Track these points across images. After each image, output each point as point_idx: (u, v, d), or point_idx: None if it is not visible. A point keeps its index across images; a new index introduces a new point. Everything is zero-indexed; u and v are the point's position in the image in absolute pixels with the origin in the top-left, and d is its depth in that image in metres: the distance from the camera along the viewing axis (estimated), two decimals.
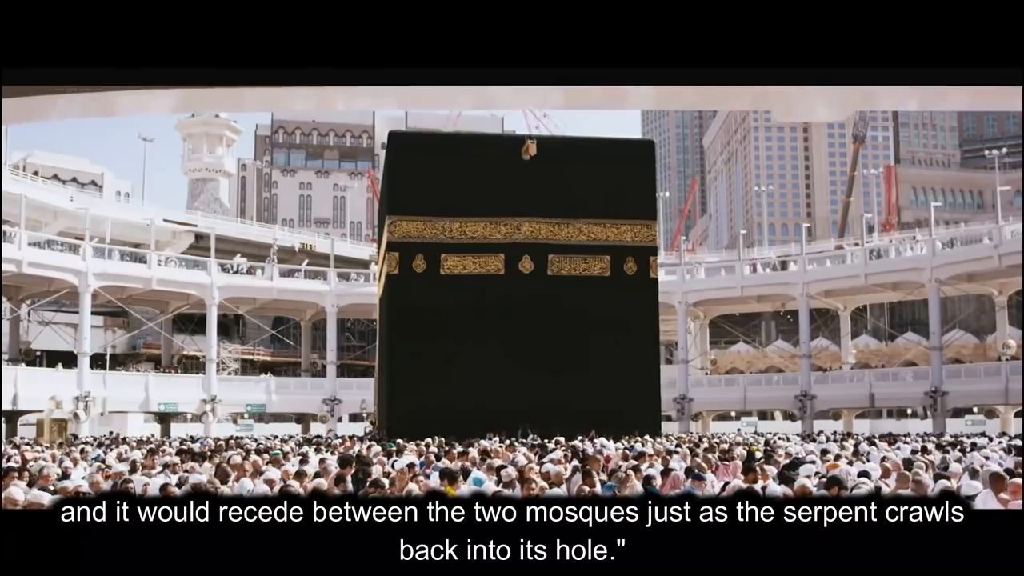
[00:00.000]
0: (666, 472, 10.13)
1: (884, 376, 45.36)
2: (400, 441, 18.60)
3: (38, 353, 48.91)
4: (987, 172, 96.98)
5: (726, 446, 17.37)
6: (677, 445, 17.64)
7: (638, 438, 20.65)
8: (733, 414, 51.04)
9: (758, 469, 9.78)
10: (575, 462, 12.30)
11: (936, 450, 17.26)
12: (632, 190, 29.10)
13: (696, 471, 10.05)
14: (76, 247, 42.24)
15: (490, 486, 9.22)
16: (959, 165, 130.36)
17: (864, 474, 9.51)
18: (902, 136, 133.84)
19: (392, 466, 11.65)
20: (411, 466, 10.88)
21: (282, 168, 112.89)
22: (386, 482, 9.46)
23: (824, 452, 15.30)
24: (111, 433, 36.34)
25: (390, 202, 29.10)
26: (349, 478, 9.08)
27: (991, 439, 24.95)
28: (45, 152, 70.37)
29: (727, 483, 9.07)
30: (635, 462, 11.64)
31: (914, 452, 15.80)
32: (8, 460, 14.01)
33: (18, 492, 7.55)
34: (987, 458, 13.04)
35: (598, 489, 8.23)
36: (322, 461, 11.97)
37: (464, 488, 8.52)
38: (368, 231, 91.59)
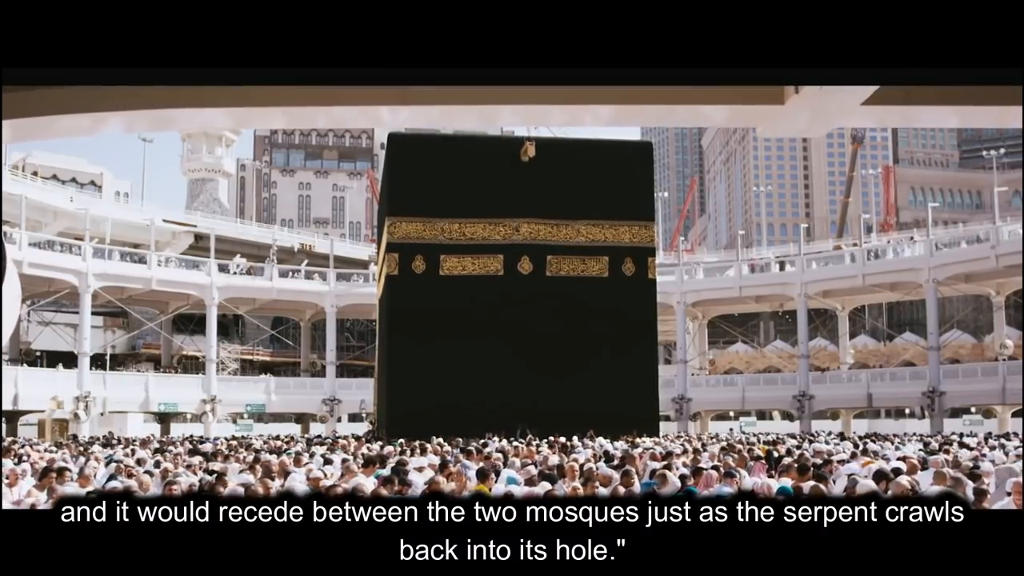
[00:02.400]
0: (697, 472, 10.13)
1: (882, 376, 45.43)
2: (402, 441, 18.63)
3: (38, 353, 48.93)
4: (986, 172, 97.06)
5: (734, 445, 17.50)
6: (683, 445, 17.71)
7: (644, 438, 20.74)
8: (732, 414, 51.10)
9: (811, 469, 9.55)
10: (602, 462, 12.32)
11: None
12: (630, 191, 29.17)
13: (729, 469, 10.08)
14: (76, 247, 42.29)
15: (529, 486, 9.35)
16: (957, 165, 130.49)
17: (897, 472, 9.47)
18: (900, 136, 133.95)
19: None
20: (445, 465, 10.88)
21: (281, 168, 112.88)
22: (420, 481, 9.47)
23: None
24: (110, 433, 36.34)
25: (389, 203, 29.18)
26: (397, 480, 8.99)
27: (975, 437, 25.02)
28: (44, 152, 70.26)
29: (758, 482, 9.10)
30: (666, 461, 11.69)
31: (932, 452, 15.77)
32: (24, 460, 14.02)
33: (70, 492, 7.52)
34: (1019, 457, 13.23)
35: (636, 488, 8.25)
36: (344, 461, 12.00)
37: (499, 487, 8.50)
38: (367, 231, 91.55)
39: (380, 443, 19.98)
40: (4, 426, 40.01)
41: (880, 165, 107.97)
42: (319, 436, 32.97)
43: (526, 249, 28.47)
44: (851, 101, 3.40)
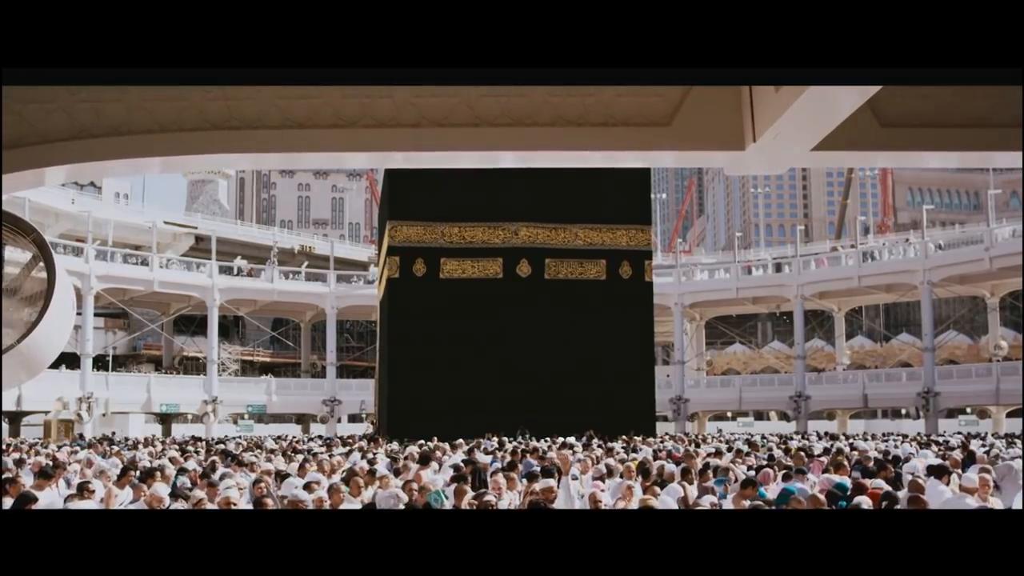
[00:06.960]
0: (758, 469, 10.50)
1: (877, 377, 45.75)
2: (407, 440, 18.91)
3: None
4: (983, 173, 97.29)
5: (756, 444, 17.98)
6: (683, 448, 18.02)
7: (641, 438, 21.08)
8: (729, 414, 51.44)
9: (888, 467, 9.67)
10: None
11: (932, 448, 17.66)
12: (627, 195, 29.53)
13: (796, 467, 10.45)
14: (79, 250, 42.58)
15: (587, 481, 9.73)
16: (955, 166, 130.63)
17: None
18: None
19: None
20: (514, 465, 11.03)
21: (281, 169, 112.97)
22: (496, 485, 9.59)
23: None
24: (112, 433, 36.60)
25: (390, 207, 29.54)
26: (470, 477, 8.93)
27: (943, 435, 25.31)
28: None
29: (814, 481, 9.40)
30: (722, 459, 12.09)
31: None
32: (54, 461, 14.23)
33: (163, 489, 7.60)
34: None
35: (710, 483, 8.58)
36: (395, 460, 12.18)
37: (568, 489, 8.69)
38: (367, 232, 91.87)
39: (399, 444, 20.08)
40: (7, 427, 40.34)
41: (878, 166, 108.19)
42: (320, 436, 33.27)
43: (525, 252, 28.86)
44: (804, 147, 3.80)
